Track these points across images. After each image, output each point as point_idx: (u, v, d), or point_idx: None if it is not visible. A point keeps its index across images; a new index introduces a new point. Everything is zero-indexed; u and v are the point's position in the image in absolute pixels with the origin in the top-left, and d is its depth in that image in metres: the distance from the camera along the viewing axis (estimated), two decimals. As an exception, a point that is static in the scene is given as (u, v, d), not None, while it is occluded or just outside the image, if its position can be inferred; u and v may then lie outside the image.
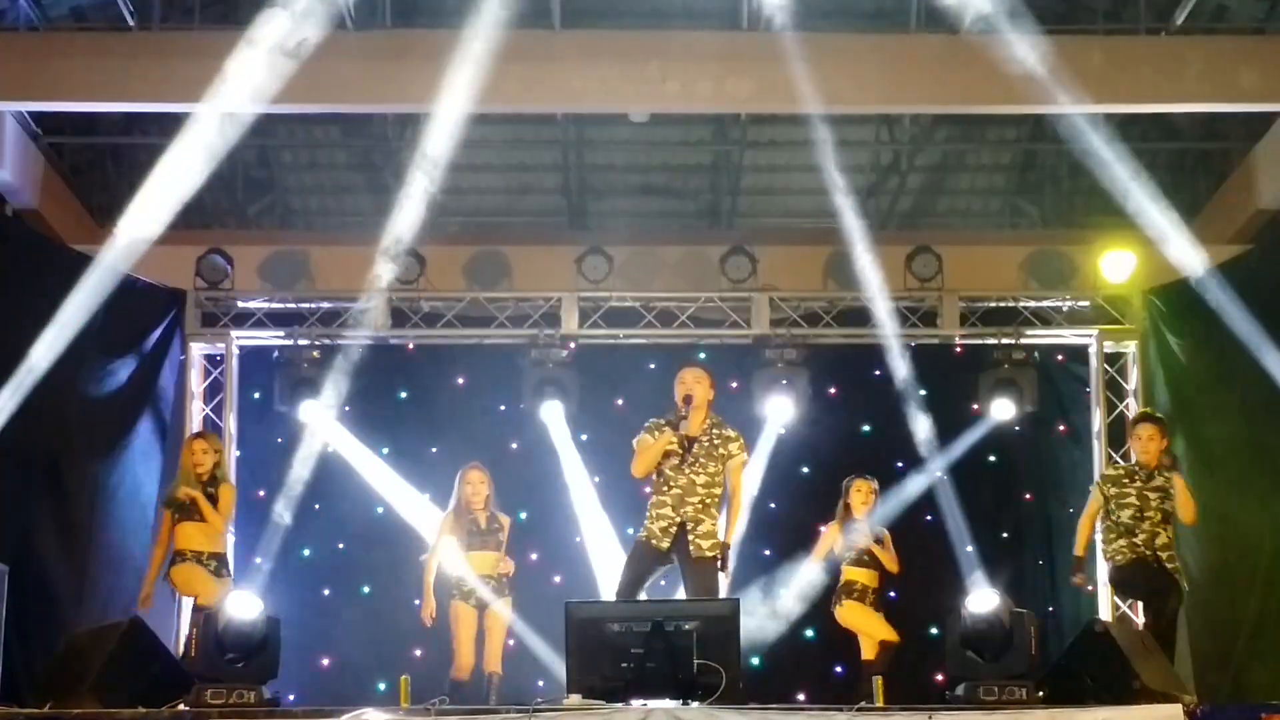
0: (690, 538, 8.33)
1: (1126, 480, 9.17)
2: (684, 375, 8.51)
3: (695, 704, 6.62)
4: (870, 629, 9.62)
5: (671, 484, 8.37)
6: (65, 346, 9.90)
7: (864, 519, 9.68)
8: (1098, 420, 11.61)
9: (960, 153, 13.80)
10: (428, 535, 10.89)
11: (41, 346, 9.78)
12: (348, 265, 11.59)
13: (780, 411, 11.21)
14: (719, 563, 8.36)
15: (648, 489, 8.60)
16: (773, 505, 11.33)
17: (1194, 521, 9.21)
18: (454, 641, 9.54)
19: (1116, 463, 10.25)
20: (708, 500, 8.39)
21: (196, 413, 11.48)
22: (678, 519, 8.33)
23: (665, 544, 8.31)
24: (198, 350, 11.59)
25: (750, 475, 10.95)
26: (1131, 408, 11.58)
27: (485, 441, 11.31)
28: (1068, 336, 11.86)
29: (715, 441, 8.45)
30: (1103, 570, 10.12)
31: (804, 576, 10.31)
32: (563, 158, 13.61)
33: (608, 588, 10.80)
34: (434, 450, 11.47)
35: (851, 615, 9.62)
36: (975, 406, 11.54)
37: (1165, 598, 9.07)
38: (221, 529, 9.59)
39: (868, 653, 9.65)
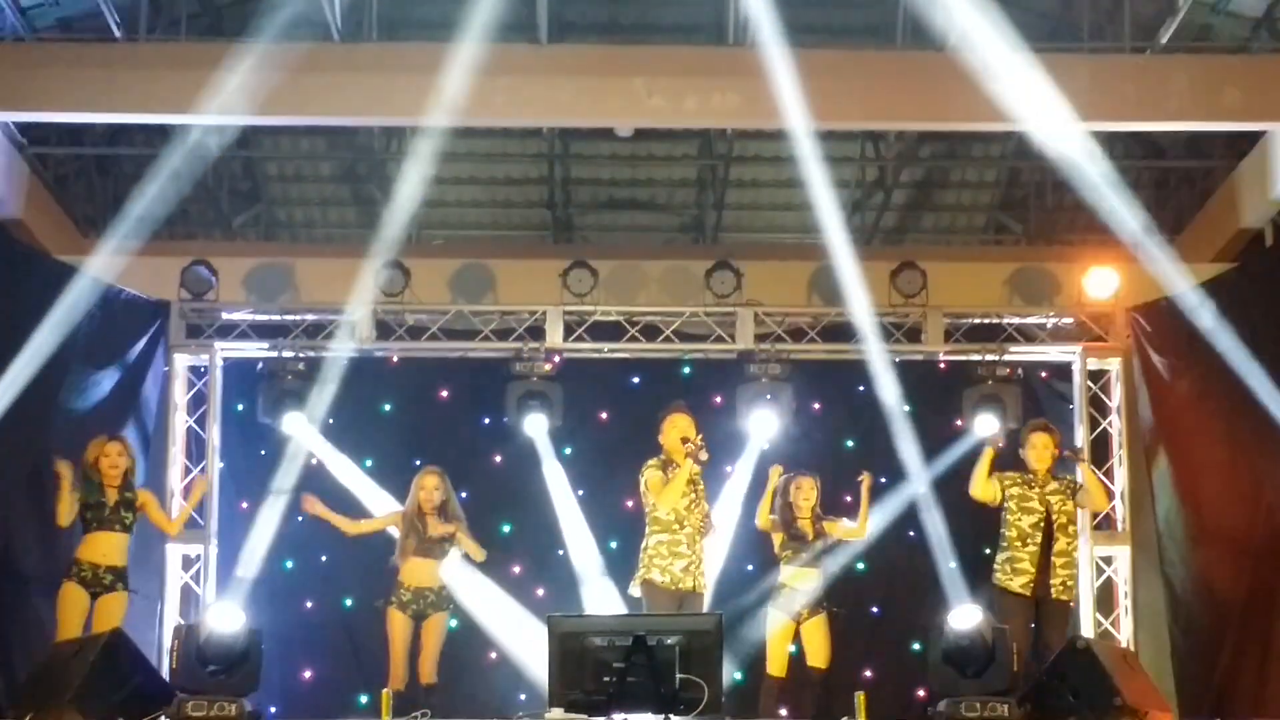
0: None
1: (1027, 485, 9.38)
2: (676, 419, 9.12)
3: (677, 718, 6.62)
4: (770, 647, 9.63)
5: (685, 523, 9.05)
6: (48, 357, 9.85)
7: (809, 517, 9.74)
8: (1081, 437, 11.61)
9: (945, 169, 13.83)
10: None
11: (24, 357, 9.73)
12: (333, 277, 11.56)
13: (764, 426, 11.19)
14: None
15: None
16: (756, 520, 11.30)
17: (1103, 509, 10.08)
18: (390, 652, 9.47)
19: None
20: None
21: (180, 424, 11.43)
22: (695, 557, 9.05)
23: (689, 583, 8.98)
24: (182, 362, 11.53)
25: (732, 491, 11.03)
26: (1115, 425, 11.60)
27: (469, 455, 11.32)
28: (1051, 353, 11.83)
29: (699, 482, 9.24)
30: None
31: None
32: (548, 171, 13.62)
33: (590, 601, 10.80)
34: (417, 463, 11.35)
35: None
36: (959, 422, 11.53)
37: (1049, 630, 9.22)
38: (175, 530, 10.16)
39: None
